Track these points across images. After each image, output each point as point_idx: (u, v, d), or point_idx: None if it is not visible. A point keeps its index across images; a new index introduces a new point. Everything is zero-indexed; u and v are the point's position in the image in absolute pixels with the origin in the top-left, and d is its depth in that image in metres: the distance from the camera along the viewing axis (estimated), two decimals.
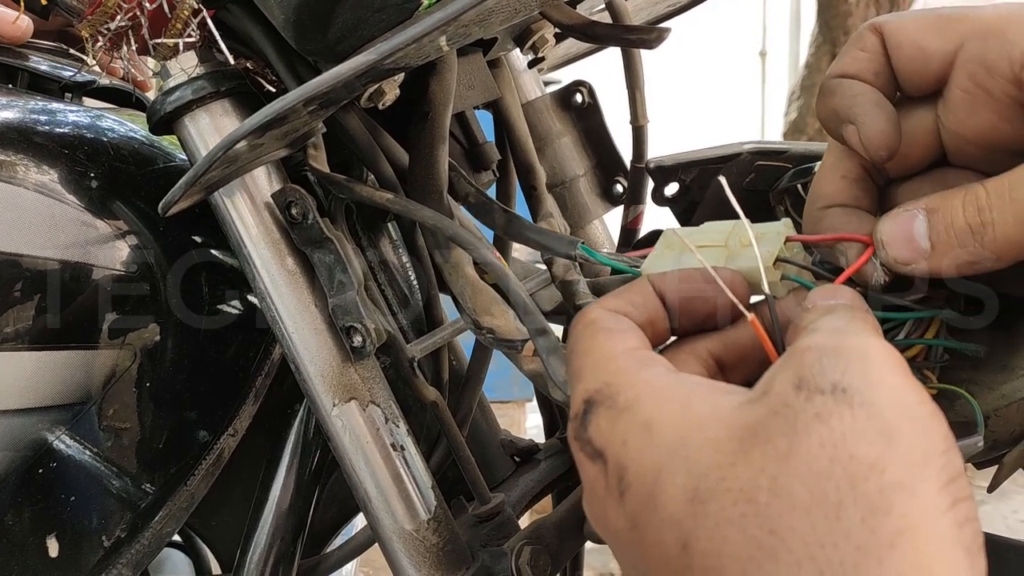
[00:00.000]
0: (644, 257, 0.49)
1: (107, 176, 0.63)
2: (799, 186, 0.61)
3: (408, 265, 0.74)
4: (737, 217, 0.46)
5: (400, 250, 0.75)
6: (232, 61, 0.55)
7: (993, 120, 0.40)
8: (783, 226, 0.46)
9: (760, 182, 0.63)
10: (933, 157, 0.45)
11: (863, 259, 0.43)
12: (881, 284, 0.44)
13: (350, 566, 1.04)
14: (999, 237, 0.39)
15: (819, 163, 0.57)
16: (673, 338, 0.43)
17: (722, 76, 5.23)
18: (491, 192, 0.69)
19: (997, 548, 0.60)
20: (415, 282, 0.73)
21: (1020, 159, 0.40)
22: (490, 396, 0.82)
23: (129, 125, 0.69)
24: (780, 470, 0.31)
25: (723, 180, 0.48)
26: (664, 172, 0.62)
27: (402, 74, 0.56)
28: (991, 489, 0.51)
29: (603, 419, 0.36)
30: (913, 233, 0.41)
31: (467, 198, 0.57)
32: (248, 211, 0.57)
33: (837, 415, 0.31)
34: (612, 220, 0.80)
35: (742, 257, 0.45)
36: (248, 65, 0.57)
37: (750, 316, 0.41)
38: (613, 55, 0.75)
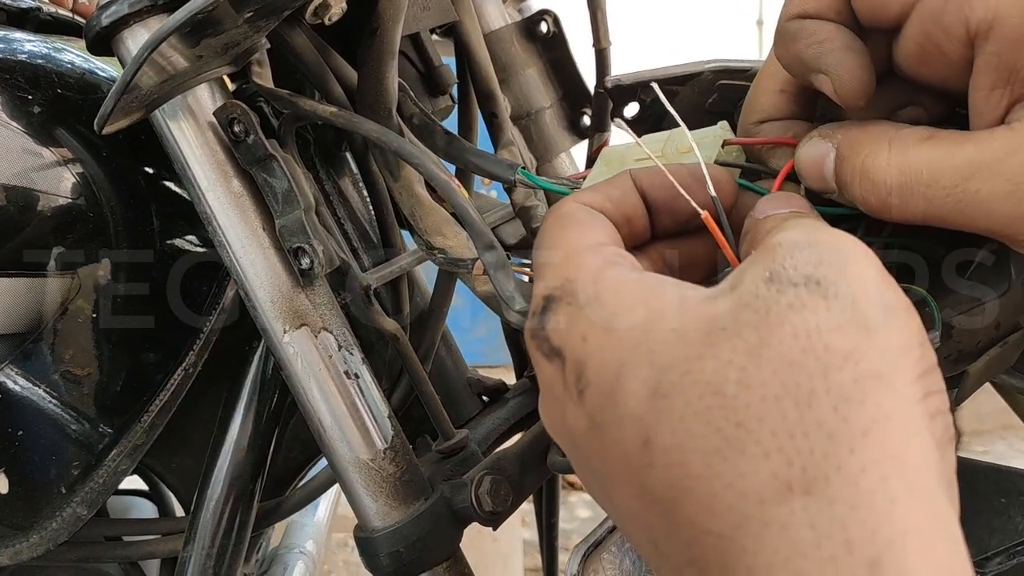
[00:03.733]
0: (585, 179, 0.48)
1: (50, 102, 0.61)
2: None
3: (369, 201, 0.73)
4: (677, 125, 0.45)
5: (361, 185, 0.74)
6: None
7: (944, 74, 0.38)
8: (720, 130, 0.45)
9: (723, 102, 0.61)
10: (882, 73, 0.43)
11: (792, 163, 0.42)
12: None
13: (323, 516, 1.04)
14: (895, 217, 0.37)
15: None
16: None
17: (719, 46, 5.19)
18: (453, 121, 0.68)
19: (969, 471, 0.59)
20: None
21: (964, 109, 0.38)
22: (477, 360, 0.81)
23: (74, 52, 0.67)
24: (749, 362, 0.29)
25: (656, 87, 0.47)
26: (623, 92, 0.60)
27: None
28: (957, 402, 0.50)
29: (562, 315, 0.34)
30: (823, 172, 0.40)
31: (411, 119, 0.55)
32: (191, 131, 0.55)
33: (811, 306, 0.30)
34: (582, 155, 0.79)
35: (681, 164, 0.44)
36: None
37: (703, 213, 0.39)
38: None
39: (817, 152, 0.40)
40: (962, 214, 0.36)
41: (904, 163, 0.36)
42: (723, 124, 0.45)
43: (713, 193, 0.40)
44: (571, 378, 0.33)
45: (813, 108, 0.45)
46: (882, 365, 0.29)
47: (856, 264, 0.31)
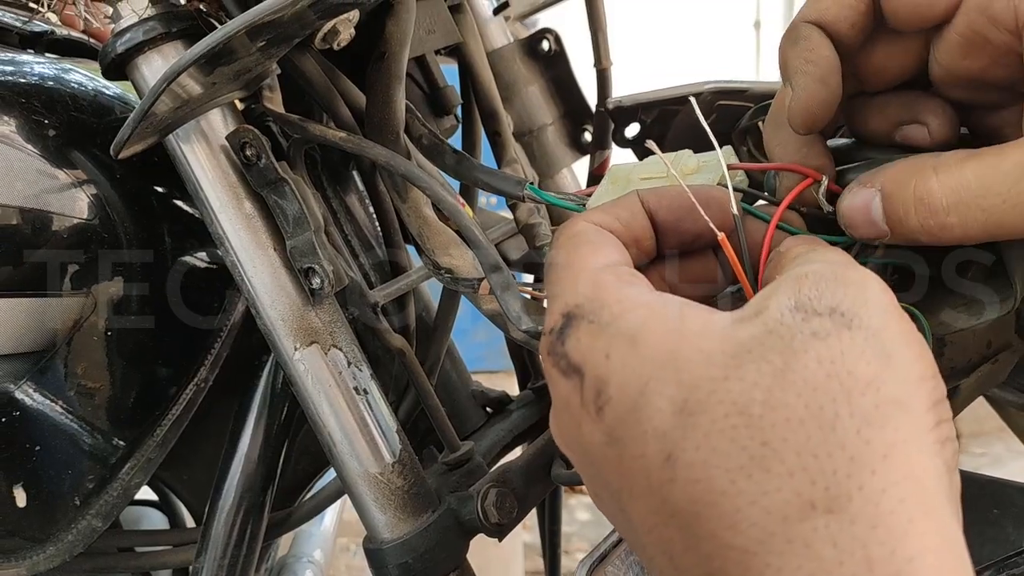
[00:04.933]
0: (591, 195, 0.49)
1: (65, 126, 0.62)
2: (760, 124, 0.61)
3: (376, 219, 0.74)
4: (678, 148, 0.47)
5: (367, 202, 0.75)
6: (184, 1, 0.54)
7: (987, 64, 0.40)
8: (724, 154, 0.46)
9: (722, 122, 0.63)
10: (911, 76, 0.45)
11: (800, 187, 0.44)
12: (829, 211, 0.44)
13: (330, 524, 1.05)
14: (957, 238, 0.38)
15: None
16: None
17: (715, 48, 5.19)
18: (457, 139, 0.69)
19: (964, 482, 0.61)
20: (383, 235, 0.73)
21: (1006, 95, 0.40)
22: (478, 366, 0.82)
23: (88, 76, 0.68)
24: (775, 384, 0.31)
25: (693, 101, 0.48)
26: (624, 112, 0.61)
27: (356, 14, 0.56)
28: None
29: (584, 333, 0.35)
30: (872, 216, 0.41)
31: (420, 139, 0.57)
32: (204, 154, 0.56)
33: (835, 335, 0.31)
34: (583, 170, 0.80)
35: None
36: (201, 6, 0.56)
37: (720, 235, 0.40)
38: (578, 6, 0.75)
39: (860, 199, 0.41)
40: (1021, 216, 0.37)
41: (954, 182, 0.38)
42: (728, 149, 0.47)
43: (736, 211, 0.41)
44: (590, 394, 0.34)
45: (841, 108, 0.47)
46: (902, 392, 0.30)
47: (878, 299, 0.33)
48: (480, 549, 0.63)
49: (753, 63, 5.53)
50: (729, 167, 0.46)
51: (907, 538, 0.28)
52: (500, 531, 0.61)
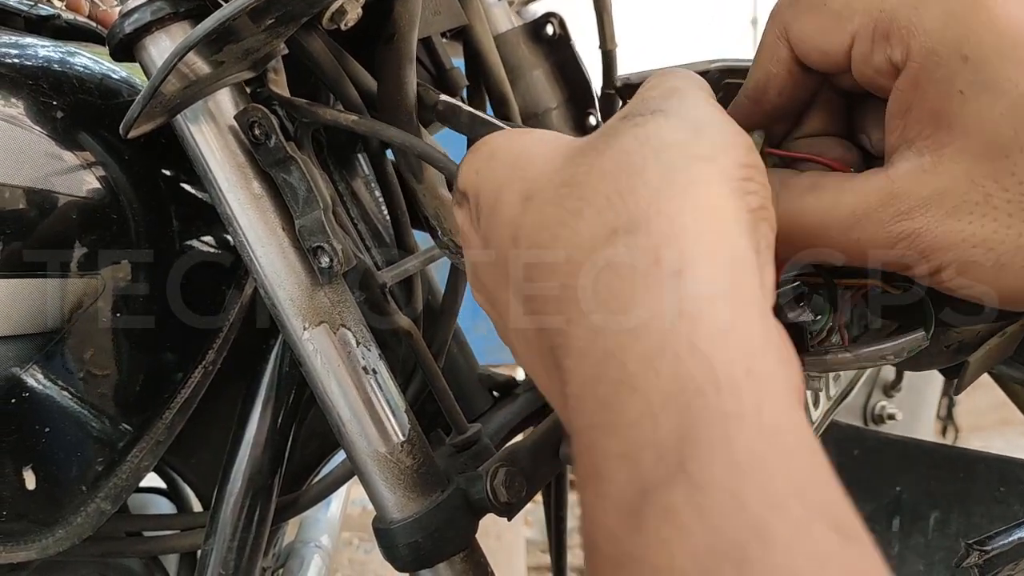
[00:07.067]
0: None
1: (72, 107, 0.62)
2: None
3: (381, 201, 0.74)
4: None
5: (373, 186, 0.75)
6: None
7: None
8: (758, 137, 0.46)
9: (729, 100, 0.63)
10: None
11: None
12: None
13: (336, 511, 1.05)
14: (799, 260, 0.43)
15: None
16: None
17: (712, 45, 5.20)
18: None
19: (967, 461, 0.61)
20: (388, 218, 0.73)
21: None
22: (486, 361, 0.83)
23: (95, 59, 0.68)
24: (597, 159, 0.35)
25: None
26: (632, 90, 0.62)
27: None
28: (958, 391, 0.52)
29: (463, 165, 0.42)
30: None
31: (435, 107, 0.57)
32: (212, 135, 0.56)
33: (653, 121, 0.36)
34: None
35: None
36: None
37: None
38: None
39: None
40: (849, 259, 0.41)
41: (791, 215, 0.41)
42: (760, 132, 0.47)
43: None
44: (473, 212, 0.41)
45: (844, 119, 0.47)
46: (708, 151, 0.34)
47: (696, 99, 0.37)
48: (482, 543, 0.63)
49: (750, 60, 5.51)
50: (763, 152, 0.46)
51: (697, 245, 0.32)
52: (509, 510, 0.61)
